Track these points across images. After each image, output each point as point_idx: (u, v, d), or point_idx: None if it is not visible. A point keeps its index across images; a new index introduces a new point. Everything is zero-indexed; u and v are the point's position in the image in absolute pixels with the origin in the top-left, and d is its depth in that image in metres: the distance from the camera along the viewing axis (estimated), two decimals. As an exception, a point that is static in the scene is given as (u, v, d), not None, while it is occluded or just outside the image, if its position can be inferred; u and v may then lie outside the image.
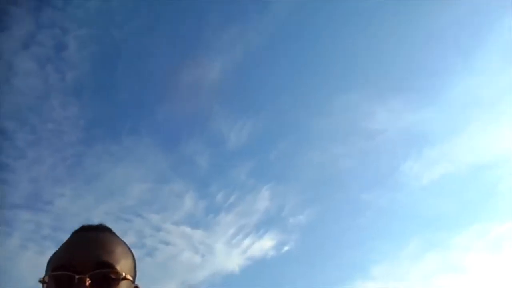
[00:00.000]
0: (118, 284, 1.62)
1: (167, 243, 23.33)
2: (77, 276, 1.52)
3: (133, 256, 1.86)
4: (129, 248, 1.89)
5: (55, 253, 1.79)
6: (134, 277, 1.75)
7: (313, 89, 18.49)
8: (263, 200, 22.48)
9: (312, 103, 18.68)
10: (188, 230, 23.68)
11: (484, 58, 17.75)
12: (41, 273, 1.77)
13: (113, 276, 1.61)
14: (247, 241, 21.96)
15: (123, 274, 1.64)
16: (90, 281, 1.53)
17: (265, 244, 22.81)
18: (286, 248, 22.26)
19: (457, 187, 19.74)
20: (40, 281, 1.63)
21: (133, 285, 1.74)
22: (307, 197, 22.14)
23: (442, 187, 19.78)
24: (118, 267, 1.65)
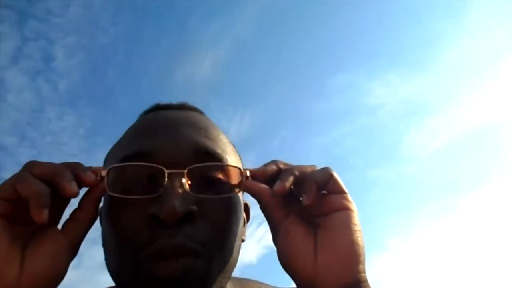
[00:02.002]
0: (229, 186, 1.00)
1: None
2: (167, 171, 0.91)
3: (236, 149, 1.20)
4: (229, 139, 1.19)
5: (118, 143, 1.14)
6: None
7: (307, 73, 18.43)
8: (271, 188, 22.44)
9: (308, 87, 18.63)
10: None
11: (476, 16, 17.56)
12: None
13: (221, 176, 0.99)
14: (260, 230, 21.97)
15: (238, 171, 1.01)
16: (190, 181, 0.93)
17: (278, 231, 22.96)
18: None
19: (463, 151, 19.77)
20: (100, 176, 0.97)
21: (242, 195, 1.10)
22: (315, 180, 22.20)
23: (448, 153, 19.81)
24: (229, 160, 1.02)
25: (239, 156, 1.20)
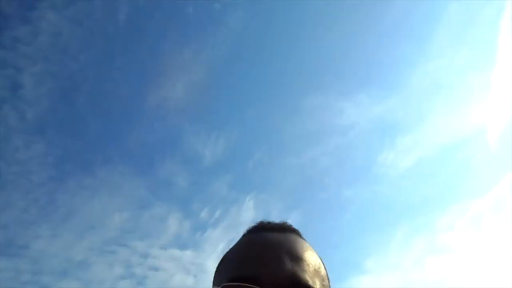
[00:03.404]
0: None
1: (156, 269, 22.94)
2: None
3: (326, 270, 1.40)
4: (321, 259, 1.40)
5: (227, 258, 1.37)
6: None
7: (280, 95, 18.67)
8: (248, 211, 22.50)
9: (281, 109, 18.85)
10: (176, 252, 23.41)
11: (438, 42, 18.40)
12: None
13: None
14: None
15: None
16: None
17: (255, 255, 22.70)
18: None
19: (433, 169, 20.27)
20: None
21: None
22: (291, 201, 22.25)
23: (419, 172, 20.27)
24: None
25: (326, 269, 1.38)
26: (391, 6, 18.56)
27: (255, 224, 1.43)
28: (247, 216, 22.87)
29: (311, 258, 1.29)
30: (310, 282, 1.19)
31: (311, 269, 1.24)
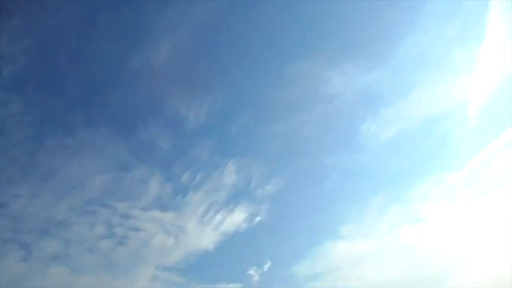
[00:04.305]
0: None
1: (137, 230, 23.27)
2: None
3: None
4: None
5: None
6: None
7: (267, 61, 18.34)
8: (229, 175, 22.66)
9: (267, 75, 18.58)
10: (157, 213, 23.69)
11: (428, 14, 18.19)
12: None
13: None
14: (218, 217, 22.39)
15: None
16: None
17: (236, 218, 23.28)
18: (257, 219, 22.94)
19: (413, 141, 20.52)
20: None
21: None
22: (273, 167, 22.38)
23: (399, 143, 20.50)
24: None
25: None
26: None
27: None
28: (228, 180, 23.09)
29: None
30: None
31: None
